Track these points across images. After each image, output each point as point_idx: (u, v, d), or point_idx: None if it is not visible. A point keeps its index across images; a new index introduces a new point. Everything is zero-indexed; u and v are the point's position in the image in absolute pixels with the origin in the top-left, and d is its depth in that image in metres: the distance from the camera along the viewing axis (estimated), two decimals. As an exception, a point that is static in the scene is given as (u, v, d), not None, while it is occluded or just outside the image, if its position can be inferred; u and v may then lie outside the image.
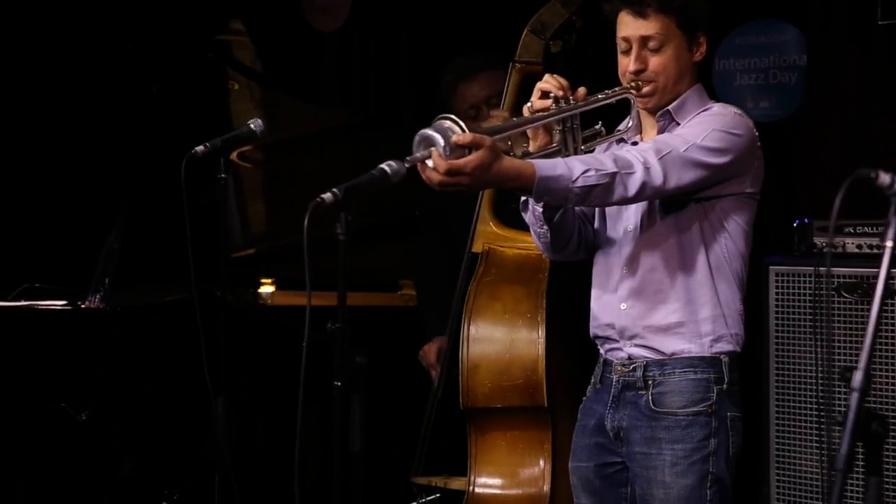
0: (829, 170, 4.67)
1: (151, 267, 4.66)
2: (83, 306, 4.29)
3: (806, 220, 4.10)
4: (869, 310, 3.80)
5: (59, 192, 5.22)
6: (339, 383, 2.38)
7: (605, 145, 3.01)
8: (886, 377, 3.84)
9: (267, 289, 5.27)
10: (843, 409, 1.83)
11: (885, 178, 1.71)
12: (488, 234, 3.80)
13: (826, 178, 4.66)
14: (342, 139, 5.31)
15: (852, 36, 4.65)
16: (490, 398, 3.52)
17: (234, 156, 5.17)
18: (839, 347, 3.94)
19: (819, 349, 3.95)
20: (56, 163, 5.26)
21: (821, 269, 3.93)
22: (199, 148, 3.35)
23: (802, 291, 4.02)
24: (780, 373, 4.07)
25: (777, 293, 4.08)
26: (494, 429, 3.63)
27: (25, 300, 4.40)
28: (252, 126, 3.51)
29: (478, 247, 3.80)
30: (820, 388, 3.96)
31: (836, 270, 3.98)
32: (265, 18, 6.20)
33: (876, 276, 3.78)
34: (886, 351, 3.82)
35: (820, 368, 3.95)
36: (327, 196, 2.37)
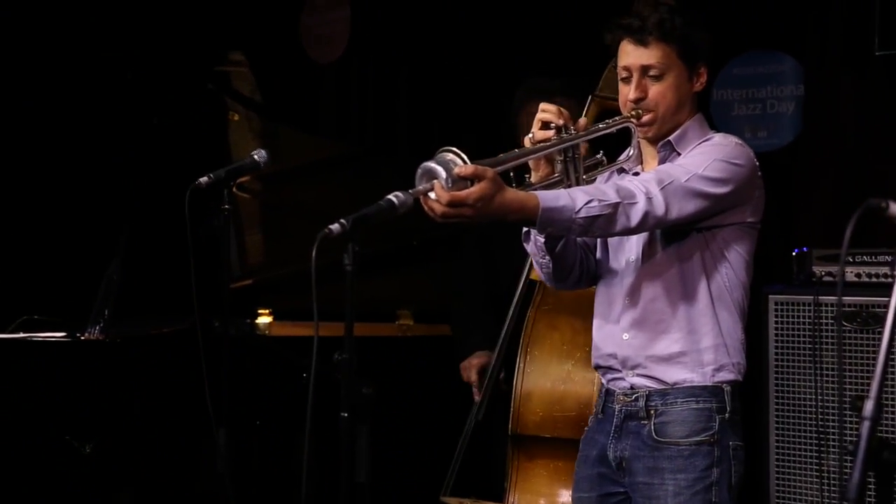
0: (827, 199, 4.70)
1: (151, 298, 4.66)
2: (83, 338, 4.28)
3: (805, 249, 4.13)
4: (869, 338, 3.84)
5: (58, 224, 5.23)
6: (346, 414, 2.38)
7: (606, 175, 3.02)
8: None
9: (264, 319, 5.26)
10: (851, 437, 1.84)
11: (895, 208, 1.72)
12: None
13: (824, 208, 4.69)
14: (340, 169, 5.33)
15: (849, 66, 4.69)
16: (540, 427, 3.53)
17: (233, 187, 5.18)
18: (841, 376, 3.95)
19: (818, 378, 3.96)
20: (56, 194, 5.28)
21: (821, 297, 3.95)
22: (203, 179, 3.36)
23: (802, 320, 4.04)
24: (780, 401, 4.09)
25: (776, 322, 4.11)
26: (539, 457, 3.64)
27: (25, 332, 4.38)
28: (256, 157, 3.53)
29: (536, 274, 3.82)
30: (819, 416, 3.97)
31: (836, 299, 4.00)
32: (265, 49, 6.24)
33: (875, 305, 3.86)
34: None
35: (820, 397, 3.96)
36: (335, 227, 2.38)
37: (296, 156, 5.32)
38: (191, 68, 5.38)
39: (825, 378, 3.96)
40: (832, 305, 3.98)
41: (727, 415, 2.87)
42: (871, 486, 1.84)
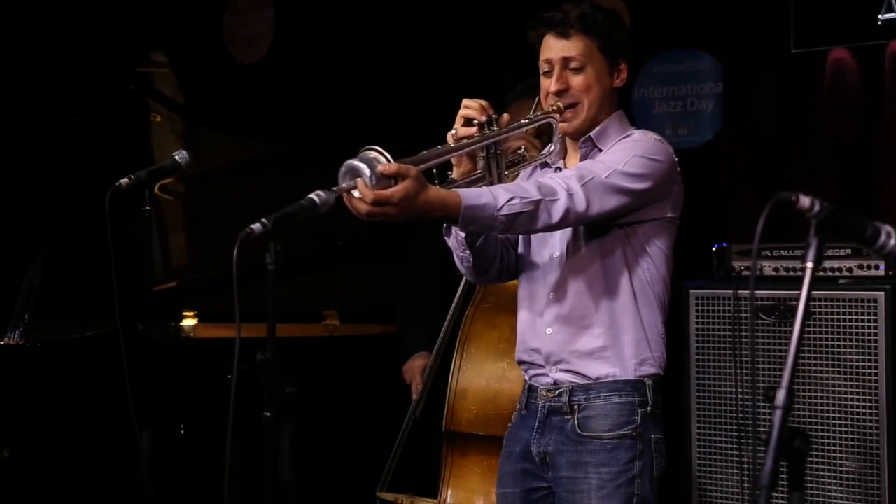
0: (746, 195, 4.77)
1: (74, 302, 4.61)
2: (2, 343, 4.22)
3: (724, 244, 4.19)
4: (787, 331, 3.90)
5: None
6: (269, 414, 2.37)
7: (529, 171, 3.05)
8: (807, 395, 3.93)
9: (189, 322, 5.22)
10: (764, 428, 1.87)
11: (805, 201, 1.76)
12: None
13: (743, 203, 4.76)
14: (264, 171, 5.30)
15: (766, 64, 4.76)
16: (474, 424, 3.53)
17: (155, 188, 5.14)
18: (758, 367, 4.02)
19: (739, 371, 4.02)
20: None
21: (740, 291, 4.01)
22: (124, 180, 3.32)
23: (722, 314, 4.10)
24: (701, 394, 4.15)
25: (697, 316, 4.16)
26: (472, 454, 3.64)
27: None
28: (177, 157, 3.49)
29: None
30: (739, 408, 4.03)
31: (755, 293, 4.06)
32: (188, 50, 6.20)
33: (793, 299, 3.92)
34: (807, 370, 3.91)
35: (739, 390, 4.02)
36: (256, 226, 2.36)
37: (219, 157, 5.28)
38: (112, 69, 5.33)
39: (744, 371, 4.01)
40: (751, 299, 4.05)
41: (649, 408, 2.90)
42: (784, 474, 1.87)
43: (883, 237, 1.79)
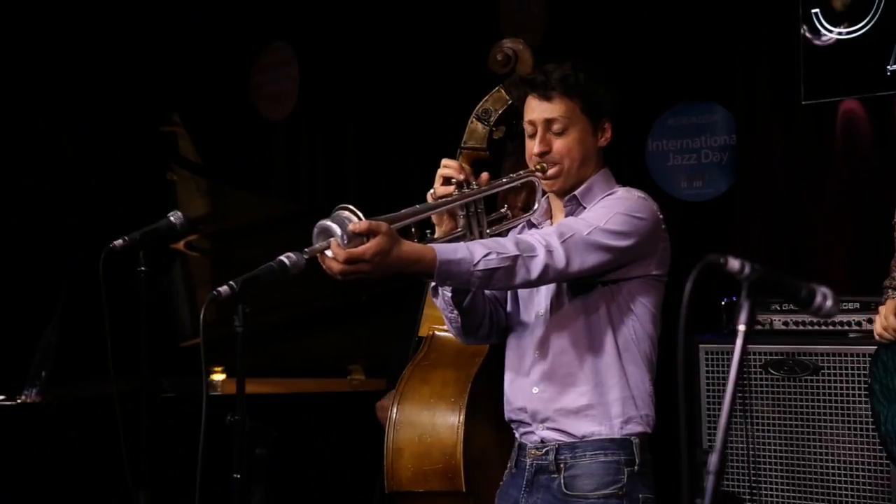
0: (760, 246, 4.74)
1: (92, 360, 4.65)
2: (19, 400, 4.27)
3: (734, 298, 4.14)
4: (796, 385, 3.86)
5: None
6: (238, 476, 2.38)
7: (517, 229, 3.04)
8: (816, 450, 3.88)
9: (218, 377, 5.26)
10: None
11: (734, 263, 1.74)
12: (435, 317, 3.80)
13: (757, 255, 4.71)
14: (289, 226, 5.34)
15: (778, 115, 4.75)
16: (413, 482, 3.50)
17: (181, 245, 5.21)
18: (767, 422, 3.98)
19: (749, 425, 3.98)
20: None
21: (749, 346, 3.97)
22: (118, 242, 3.37)
23: (728, 369, 4.06)
24: (713, 448, 4.09)
25: (707, 370, 4.14)
26: None
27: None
28: (172, 219, 3.53)
29: (424, 331, 3.82)
30: (752, 461, 3.99)
31: (764, 347, 4.03)
32: (215, 107, 6.29)
33: (802, 353, 3.88)
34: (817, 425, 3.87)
35: (751, 443, 3.98)
36: (223, 289, 2.39)
37: (243, 214, 5.35)
38: (132, 129, 5.40)
39: (755, 425, 3.98)
40: (760, 354, 4.02)
41: (636, 467, 2.86)
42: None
43: (818, 299, 1.77)
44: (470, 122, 3.80)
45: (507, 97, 3.76)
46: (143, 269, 3.43)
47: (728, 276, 1.77)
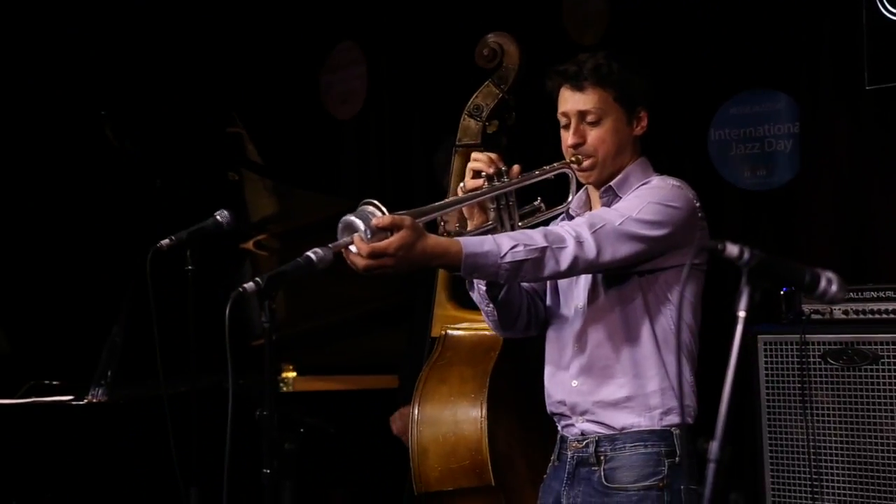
0: (825, 235, 4.67)
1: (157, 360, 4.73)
2: (86, 400, 4.35)
3: (793, 287, 4.08)
4: (856, 375, 3.79)
5: (62, 287, 5.33)
6: (268, 471, 2.40)
7: (556, 221, 3.02)
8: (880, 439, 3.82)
9: (288, 375, 5.32)
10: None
11: (732, 249, 1.71)
12: (446, 317, 3.79)
13: (822, 244, 4.65)
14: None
15: (841, 102, 4.67)
16: (441, 482, 3.49)
17: (250, 244, 5.27)
18: (827, 413, 3.91)
19: (810, 416, 3.92)
20: (59, 259, 5.38)
21: (807, 335, 3.92)
22: (165, 241, 3.42)
23: (791, 358, 4.00)
24: (773, 440, 4.05)
25: (766, 361, 4.08)
26: None
27: (33, 397, 4.47)
28: (218, 218, 3.57)
29: (436, 331, 3.80)
30: (812, 454, 3.93)
31: (822, 337, 3.96)
32: (286, 107, 6.36)
33: (862, 342, 3.81)
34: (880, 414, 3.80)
35: (811, 435, 3.92)
36: (249, 285, 2.40)
37: (310, 212, 5.38)
38: (200, 128, 5.47)
39: (816, 416, 3.91)
40: (819, 343, 3.95)
41: (677, 458, 2.83)
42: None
43: (823, 283, 1.74)
44: (462, 119, 3.78)
45: (498, 91, 3.74)
46: (190, 267, 3.47)
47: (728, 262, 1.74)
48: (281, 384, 5.26)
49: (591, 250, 2.68)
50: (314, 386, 5.25)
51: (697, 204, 2.88)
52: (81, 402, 4.36)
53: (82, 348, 4.69)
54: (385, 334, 5.20)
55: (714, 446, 1.68)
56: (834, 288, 1.74)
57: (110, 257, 5.10)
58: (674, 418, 2.85)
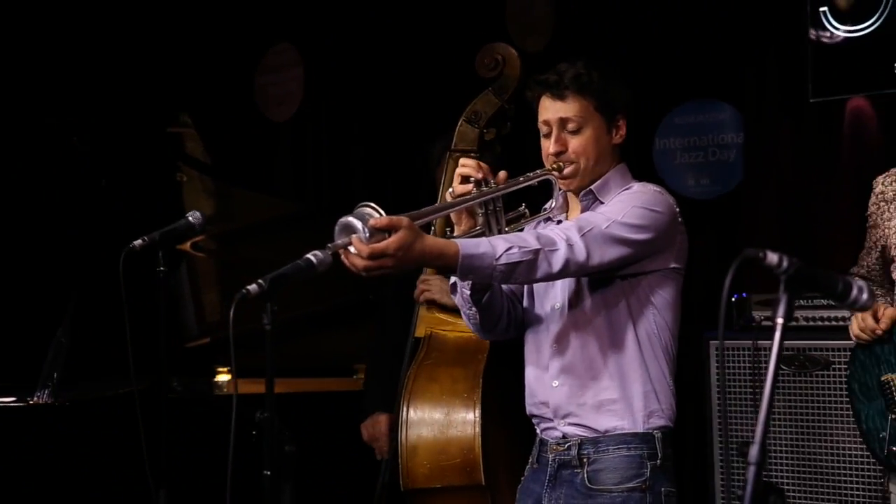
0: (769, 244, 4.72)
1: (103, 361, 4.66)
2: (31, 402, 4.28)
3: (744, 294, 4.17)
4: (807, 381, 3.88)
5: (5, 289, 5.23)
6: (269, 472, 2.39)
7: (532, 225, 3.06)
8: (825, 446, 3.90)
9: (223, 377, 5.27)
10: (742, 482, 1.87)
11: (773, 257, 1.76)
12: (431, 319, 3.84)
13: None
14: (295, 226, 5.34)
15: (786, 113, 4.77)
16: (429, 479, 3.53)
17: (187, 246, 5.21)
18: (778, 419, 3.99)
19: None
20: (2, 261, 5.28)
21: (759, 342, 4.00)
22: (138, 242, 3.37)
23: (742, 365, 4.08)
24: (724, 445, 4.12)
25: (718, 367, 4.14)
26: None
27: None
28: (190, 218, 3.53)
29: (420, 332, 3.84)
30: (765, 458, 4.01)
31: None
32: (220, 109, 6.30)
33: (812, 349, 3.90)
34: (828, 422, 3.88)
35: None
36: (252, 287, 2.40)
37: (250, 214, 5.34)
38: (141, 129, 5.41)
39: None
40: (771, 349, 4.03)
41: (659, 461, 2.88)
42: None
43: (854, 292, 1.79)
44: (459, 124, 3.83)
45: (497, 100, 3.79)
46: (161, 269, 3.43)
47: (766, 270, 1.78)
48: (214, 388, 5.20)
49: (581, 253, 2.72)
50: (255, 389, 5.21)
51: (677, 209, 2.95)
52: (23, 404, 4.28)
53: (26, 351, 4.61)
54: (333, 335, 5.20)
55: (754, 450, 1.71)
56: (864, 296, 1.79)
57: (55, 257, 5.01)
58: (656, 421, 2.91)
